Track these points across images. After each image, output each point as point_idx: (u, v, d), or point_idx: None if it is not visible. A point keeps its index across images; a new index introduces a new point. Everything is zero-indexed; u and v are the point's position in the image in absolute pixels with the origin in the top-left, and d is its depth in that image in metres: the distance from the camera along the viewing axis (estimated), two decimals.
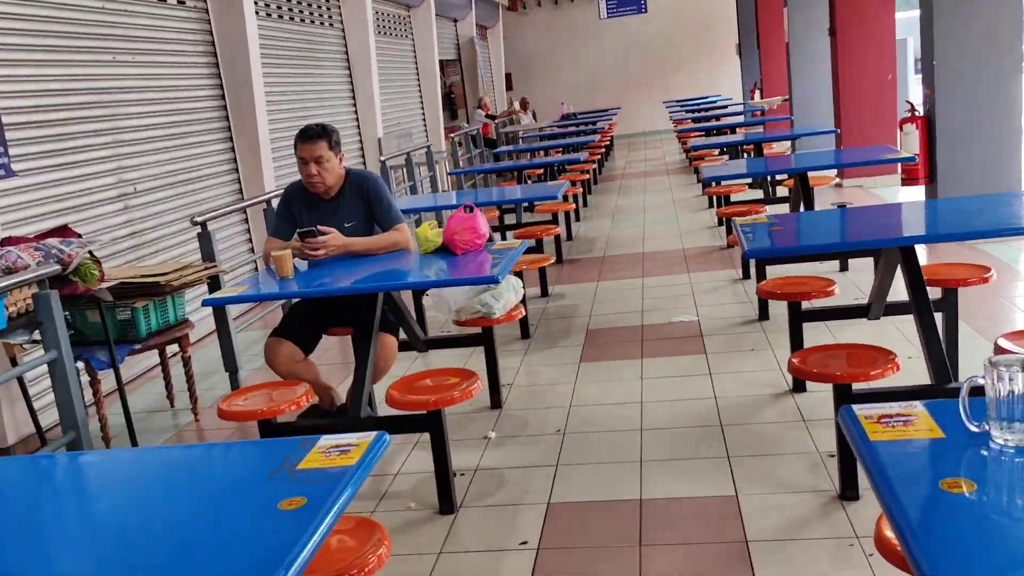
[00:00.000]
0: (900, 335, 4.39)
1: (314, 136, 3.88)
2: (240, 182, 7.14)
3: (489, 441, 3.79)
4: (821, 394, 3.71)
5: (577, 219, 9.57)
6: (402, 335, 3.98)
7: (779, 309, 4.72)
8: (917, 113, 6.54)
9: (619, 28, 21.13)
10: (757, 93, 15.81)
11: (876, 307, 3.70)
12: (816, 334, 4.34)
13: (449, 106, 16.37)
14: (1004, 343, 2.81)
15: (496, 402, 4.17)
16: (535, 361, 4.87)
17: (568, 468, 3.43)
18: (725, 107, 14.31)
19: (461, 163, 12.28)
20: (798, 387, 3.91)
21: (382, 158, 7.82)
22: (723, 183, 7.30)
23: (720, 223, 7.97)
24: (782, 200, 7.59)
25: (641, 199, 10.67)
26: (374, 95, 10.15)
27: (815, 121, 11.70)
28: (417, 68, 13.21)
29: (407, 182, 8.96)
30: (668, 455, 3.44)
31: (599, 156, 12.99)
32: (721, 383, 4.14)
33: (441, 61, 15.97)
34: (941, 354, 2.97)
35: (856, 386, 2.93)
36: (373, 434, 1.71)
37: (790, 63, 12.40)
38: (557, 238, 7.34)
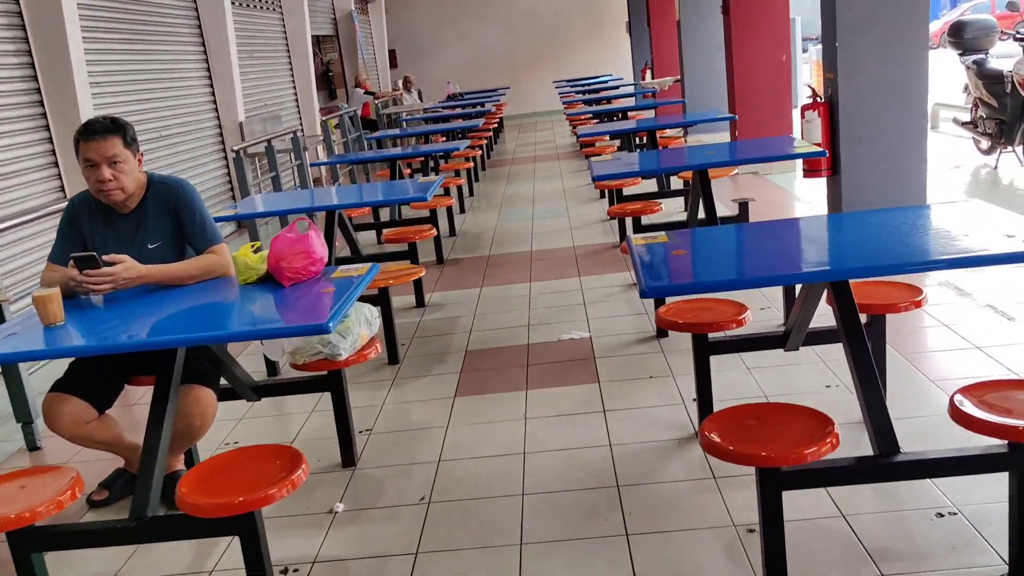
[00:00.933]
0: (817, 359, 3.86)
1: (103, 131, 3.04)
2: (61, 177, 6.09)
3: (335, 516, 3.04)
4: None
5: (462, 210, 8.84)
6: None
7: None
8: (819, 99, 6.08)
9: (508, 3, 20.41)
10: (648, 73, 15.39)
11: (795, 338, 3.16)
12: (724, 361, 3.75)
13: (327, 86, 15.32)
14: (962, 400, 2.27)
15: (349, 459, 3.41)
16: (403, 395, 4.13)
17: (429, 557, 2.72)
18: (616, 88, 13.80)
19: (337, 149, 11.34)
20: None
21: (235, 147, 6.88)
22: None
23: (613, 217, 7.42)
24: (677, 193, 7.06)
25: (531, 187, 10.02)
26: (233, 74, 9.11)
27: (708, 103, 11.31)
28: (287, 44, 12.14)
29: (269, 173, 8.03)
30: (553, 533, 2.77)
31: (487, 140, 12.27)
32: (617, 424, 3.50)
33: (317, 37, 14.90)
34: (888, 423, 2.41)
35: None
36: None
37: (681, 42, 11.95)
38: (437, 238, 6.59)
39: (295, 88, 12.26)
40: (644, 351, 4.30)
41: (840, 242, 2.85)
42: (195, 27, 8.93)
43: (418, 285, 5.57)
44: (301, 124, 12.31)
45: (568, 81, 16.89)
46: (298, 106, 12.34)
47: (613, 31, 20.13)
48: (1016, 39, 7.96)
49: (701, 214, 4.98)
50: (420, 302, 5.58)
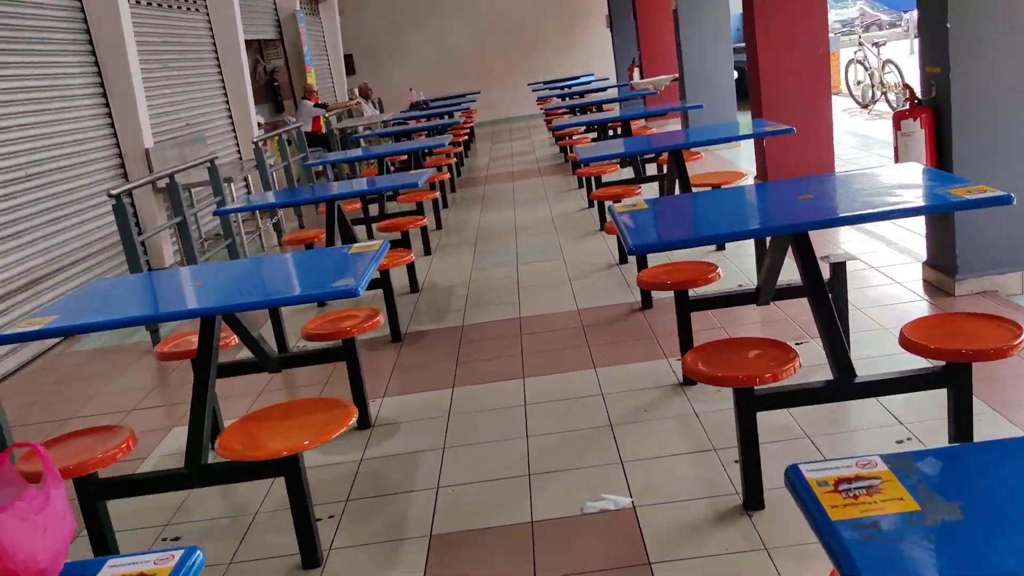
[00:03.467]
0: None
1: None
2: None
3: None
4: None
5: (427, 251, 7.02)
6: None
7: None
8: (917, 102, 4.34)
9: (475, 0, 18.60)
10: (636, 71, 13.66)
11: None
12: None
13: (273, 97, 13.44)
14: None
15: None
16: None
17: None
18: (604, 90, 12.04)
19: (277, 176, 9.47)
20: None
21: (114, 189, 5.00)
22: (621, 202, 4.95)
23: (621, 259, 5.70)
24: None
25: (511, 215, 8.22)
26: (134, 88, 7.24)
27: (714, 106, 9.60)
28: (216, 50, 10.27)
29: (175, 218, 6.17)
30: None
31: (455, 159, 10.45)
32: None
33: (259, 42, 13.03)
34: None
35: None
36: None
37: (679, 35, 10.22)
38: (390, 307, 4.83)
39: (227, 103, 10.38)
40: (738, 545, 2.54)
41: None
42: (81, 31, 7.05)
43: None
44: (237, 145, 10.44)
45: (546, 83, 15.10)
46: (232, 124, 10.46)
47: (590, 26, 18.38)
48: None
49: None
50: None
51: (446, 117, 11.70)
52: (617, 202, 5.26)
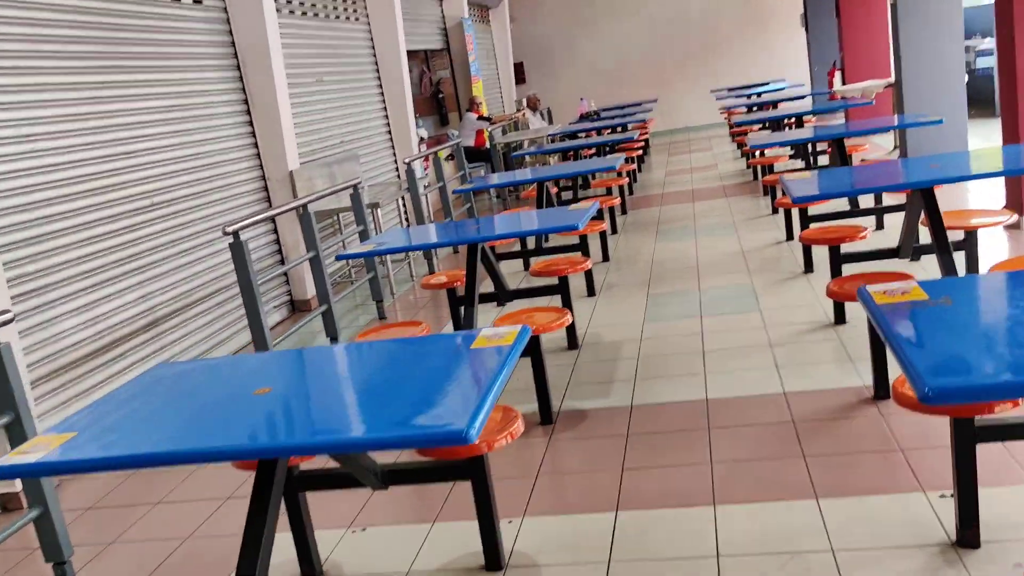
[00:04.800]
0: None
1: None
2: None
3: None
4: None
5: (590, 291, 5.97)
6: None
7: None
8: None
9: (652, 1, 17.39)
10: (838, 75, 12.03)
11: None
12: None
13: (438, 110, 12.87)
14: None
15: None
16: None
17: None
18: (800, 98, 10.56)
19: (428, 203, 8.74)
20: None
21: (230, 227, 4.29)
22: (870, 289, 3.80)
23: (837, 318, 4.43)
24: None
25: (692, 246, 7.04)
26: (278, 105, 6.66)
27: (937, 113, 7.99)
28: (376, 62, 9.70)
29: (307, 254, 5.44)
30: None
31: (626, 179, 9.36)
32: None
33: (425, 52, 12.48)
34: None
35: None
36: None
37: (899, 33, 8.65)
38: (539, 381, 3.83)
39: (387, 117, 9.79)
40: None
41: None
42: (226, 44, 6.54)
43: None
44: (396, 162, 9.84)
45: (730, 90, 13.69)
46: (391, 140, 9.87)
47: (780, 26, 16.71)
48: None
49: None
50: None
51: (619, 130, 10.64)
52: (873, 283, 4.05)
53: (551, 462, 3.52)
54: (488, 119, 11.90)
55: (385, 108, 9.78)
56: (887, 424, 3.37)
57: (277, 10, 7.23)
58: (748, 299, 5.29)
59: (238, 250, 4.49)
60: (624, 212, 9.12)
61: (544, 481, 3.36)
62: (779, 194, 7.86)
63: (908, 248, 4.18)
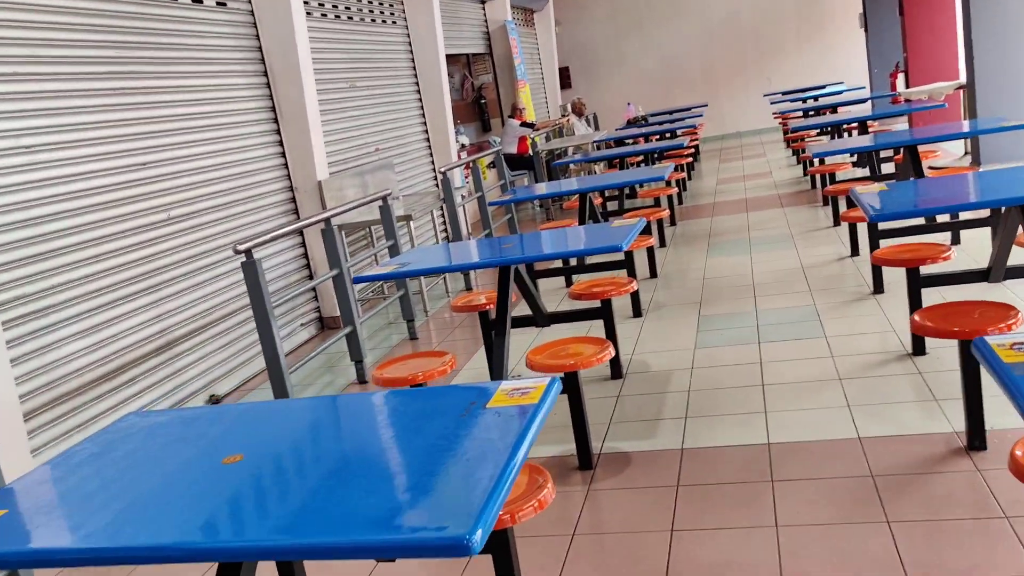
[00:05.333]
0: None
1: None
2: None
3: None
4: None
5: (636, 312, 5.51)
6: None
7: None
8: None
9: (703, 2, 16.83)
10: (901, 77, 11.38)
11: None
12: None
13: (480, 115, 12.49)
14: None
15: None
16: None
17: None
18: (861, 101, 9.95)
19: (465, 214, 8.34)
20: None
21: (242, 245, 3.94)
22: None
23: (916, 348, 3.89)
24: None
25: (746, 261, 6.53)
26: (307, 113, 6.33)
27: (1019, 120, 7.35)
28: (414, 67, 9.35)
29: (330, 270, 5.07)
30: None
31: (676, 188, 8.87)
32: None
33: (468, 56, 12.13)
34: None
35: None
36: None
37: (971, 29, 8.03)
38: (577, 418, 3.39)
39: (425, 123, 9.44)
40: None
41: None
42: (253, 48, 6.22)
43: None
44: (434, 171, 9.48)
45: (784, 93, 13.09)
46: (429, 148, 9.51)
47: (837, 26, 16.03)
48: None
49: None
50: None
51: (667, 136, 10.14)
52: (969, 315, 3.09)
53: (589, 519, 3.07)
54: (532, 125, 11.49)
55: (423, 114, 9.43)
56: (986, 482, 2.86)
57: (308, 13, 6.92)
58: (811, 323, 4.78)
59: (250, 270, 4.13)
60: (673, 223, 8.63)
61: (581, 543, 2.92)
62: (843, 206, 7.32)
63: (1000, 271, 3.67)
